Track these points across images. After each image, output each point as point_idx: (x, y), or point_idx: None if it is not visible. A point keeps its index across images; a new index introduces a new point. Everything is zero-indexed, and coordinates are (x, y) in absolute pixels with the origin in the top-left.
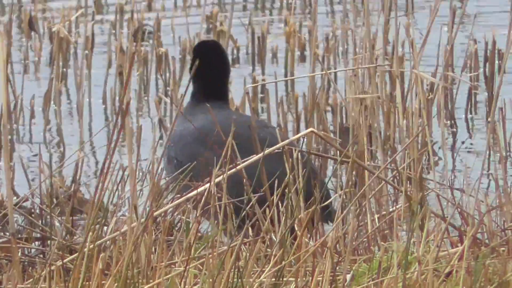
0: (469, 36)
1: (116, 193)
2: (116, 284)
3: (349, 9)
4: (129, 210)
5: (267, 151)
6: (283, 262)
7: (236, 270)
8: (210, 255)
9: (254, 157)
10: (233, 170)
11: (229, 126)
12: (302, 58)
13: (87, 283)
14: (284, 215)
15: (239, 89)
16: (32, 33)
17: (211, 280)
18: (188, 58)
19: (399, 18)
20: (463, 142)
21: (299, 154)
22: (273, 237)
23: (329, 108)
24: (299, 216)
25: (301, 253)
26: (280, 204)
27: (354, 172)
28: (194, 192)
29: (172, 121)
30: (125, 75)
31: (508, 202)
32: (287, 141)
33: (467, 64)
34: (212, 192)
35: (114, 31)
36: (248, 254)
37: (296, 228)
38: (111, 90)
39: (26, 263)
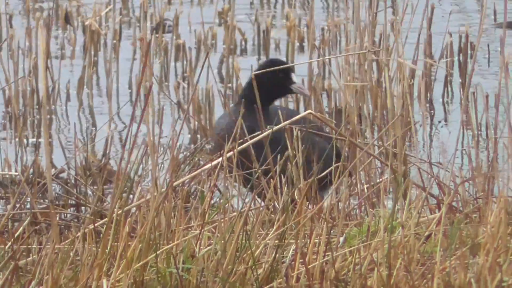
0: (445, 30)
1: (141, 165)
2: (140, 245)
3: (342, 7)
4: (152, 181)
5: (273, 128)
6: (285, 226)
7: (244, 233)
8: (222, 220)
9: (263, 134)
10: (243, 146)
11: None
12: (301, 49)
13: (116, 244)
14: (286, 185)
15: (246, 76)
16: (68, 26)
17: (222, 241)
18: (202, 48)
19: (386, 14)
20: (439, 122)
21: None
22: (276, 204)
23: (324, 92)
24: (299, 186)
25: (301, 218)
26: (283, 175)
27: (346, 148)
28: (208, 165)
29: (188, 101)
30: (143, 60)
31: (479, 175)
32: (288, 121)
33: (443, 54)
34: (224, 165)
35: (138, 25)
36: (254, 219)
37: (296, 197)
38: (136, 76)
39: (63, 226)
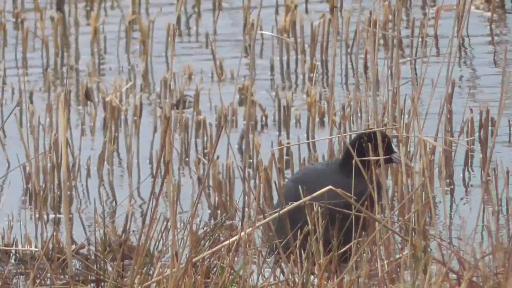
0: (465, 105)
1: (161, 241)
2: None
3: (361, 82)
4: (171, 256)
5: (291, 206)
6: None
7: None
8: None
9: (284, 209)
10: (263, 222)
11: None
12: (322, 124)
13: None
14: (306, 259)
15: (267, 152)
16: (88, 102)
17: None
18: (222, 123)
19: (406, 90)
20: (460, 198)
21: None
22: (296, 279)
23: None
24: (319, 261)
25: None
26: (303, 250)
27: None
28: (227, 242)
29: (207, 177)
30: (163, 137)
31: (500, 250)
32: (309, 197)
33: (463, 129)
34: (244, 240)
35: (159, 101)
36: None
37: (316, 272)
38: (157, 152)
39: None
